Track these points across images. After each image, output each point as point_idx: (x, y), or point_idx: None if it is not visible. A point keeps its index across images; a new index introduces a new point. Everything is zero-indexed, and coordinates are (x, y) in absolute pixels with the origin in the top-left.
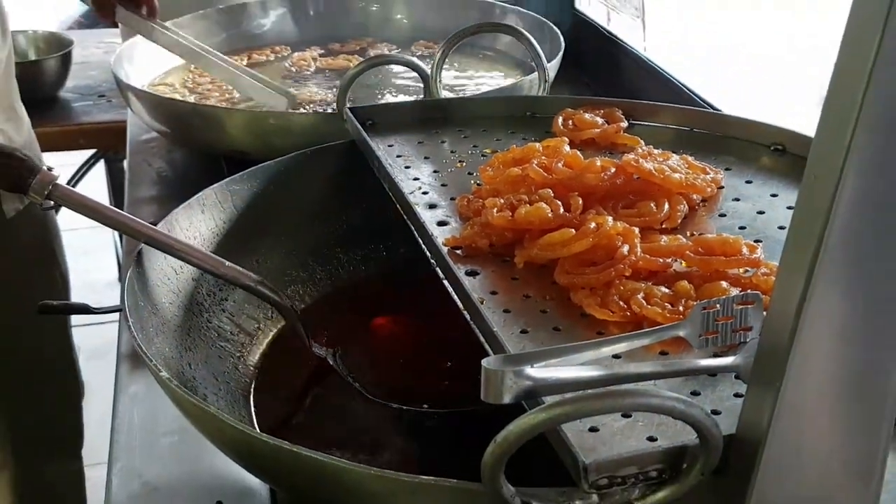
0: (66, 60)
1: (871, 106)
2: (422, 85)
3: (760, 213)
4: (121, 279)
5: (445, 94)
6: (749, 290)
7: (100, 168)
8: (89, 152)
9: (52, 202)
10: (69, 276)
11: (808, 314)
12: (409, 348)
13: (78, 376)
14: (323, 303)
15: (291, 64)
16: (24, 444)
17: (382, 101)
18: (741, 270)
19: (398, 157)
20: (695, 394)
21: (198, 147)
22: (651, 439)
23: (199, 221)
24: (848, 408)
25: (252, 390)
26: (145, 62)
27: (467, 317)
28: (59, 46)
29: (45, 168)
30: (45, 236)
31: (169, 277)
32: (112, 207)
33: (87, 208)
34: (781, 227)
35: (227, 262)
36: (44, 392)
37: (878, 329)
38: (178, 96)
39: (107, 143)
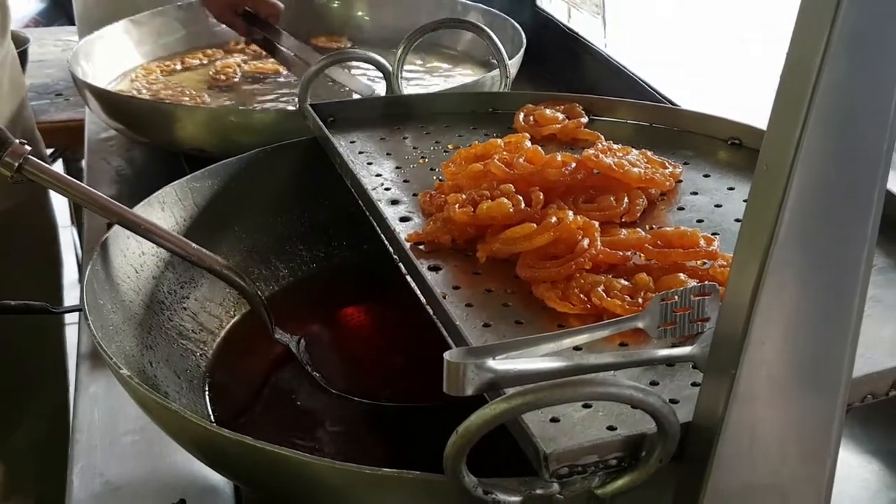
0: (22, 59)
1: (821, 98)
2: (384, 82)
3: (718, 206)
4: (81, 279)
5: (407, 90)
6: (706, 282)
7: (58, 168)
8: (47, 151)
9: (23, 176)
10: (63, 276)
11: (761, 303)
12: (372, 343)
13: (67, 376)
14: (286, 298)
15: (216, 71)
16: (12, 443)
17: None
18: (699, 262)
19: (360, 153)
20: (654, 383)
21: (157, 145)
22: (611, 428)
23: (158, 219)
24: (801, 395)
25: (214, 386)
26: (103, 60)
27: (430, 311)
28: (14, 44)
29: (17, 141)
30: (42, 235)
31: (129, 276)
32: (82, 184)
33: (59, 182)
34: (738, 220)
35: (194, 245)
36: (33, 391)
37: (830, 317)
38: (134, 91)
39: (65, 141)
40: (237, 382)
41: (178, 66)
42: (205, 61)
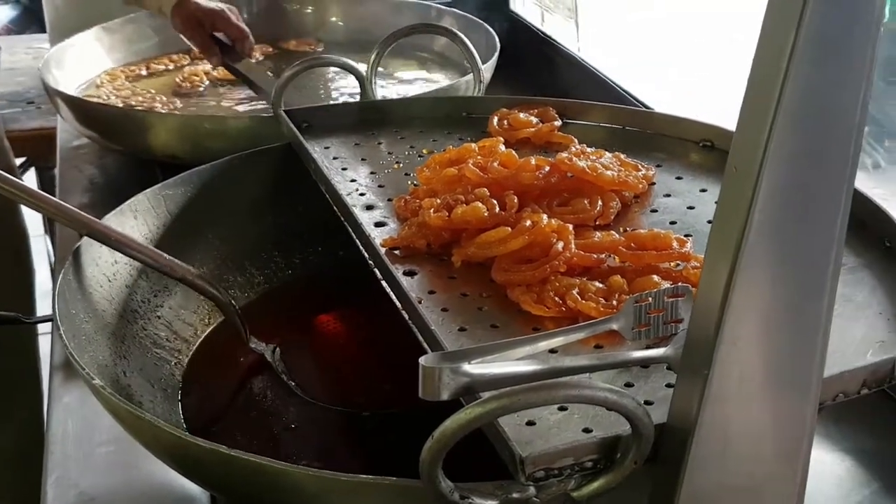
0: None
1: (788, 100)
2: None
3: (690, 208)
4: (54, 288)
5: (382, 95)
6: (680, 283)
7: (31, 177)
8: (19, 160)
9: None
10: (34, 285)
11: (732, 304)
12: (348, 350)
13: (40, 386)
14: (261, 305)
15: (183, 79)
16: None
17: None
18: (672, 264)
19: (335, 158)
20: (628, 385)
21: (130, 152)
22: (586, 431)
23: (131, 228)
24: (774, 394)
25: (188, 396)
26: (74, 67)
27: (406, 316)
28: None
29: None
30: (11, 244)
31: (102, 285)
32: (51, 196)
33: (26, 195)
34: (710, 221)
35: (167, 255)
36: (5, 401)
37: (801, 316)
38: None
39: (37, 150)
40: (212, 391)
41: (144, 72)
42: (170, 67)
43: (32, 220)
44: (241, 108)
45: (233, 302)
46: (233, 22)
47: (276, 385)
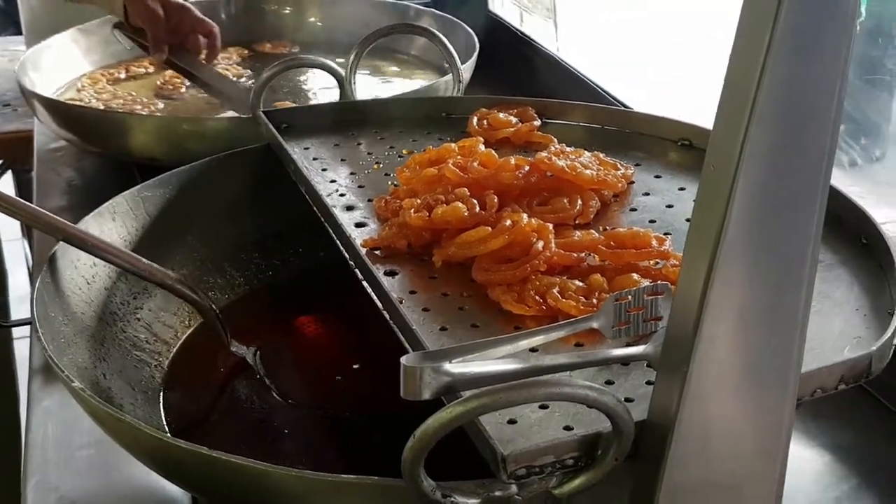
0: None
1: (764, 97)
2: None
3: (669, 206)
4: (32, 292)
5: (361, 96)
6: (659, 282)
7: (7, 180)
8: None
9: None
10: (8, 289)
11: (710, 301)
12: (329, 351)
13: (16, 389)
14: (242, 307)
15: (164, 81)
16: None
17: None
18: (651, 262)
19: (314, 159)
20: (609, 383)
21: (108, 155)
22: (567, 428)
23: (110, 230)
24: (752, 390)
25: (169, 398)
26: (51, 69)
27: (387, 316)
28: None
29: None
30: None
31: (80, 287)
32: (25, 202)
33: (1, 201)
34: (689, 220)
35: (145, 260)
36: None
37: (778, 312)
38: (85, 100)
39: (13, 153)
40: (193, 393)
41: (123, 75)
42: (150, 69)
43: (8, 223)
44: (222, 109)
45: (213, 306)
46: (200, 17)
47: (258, 387)
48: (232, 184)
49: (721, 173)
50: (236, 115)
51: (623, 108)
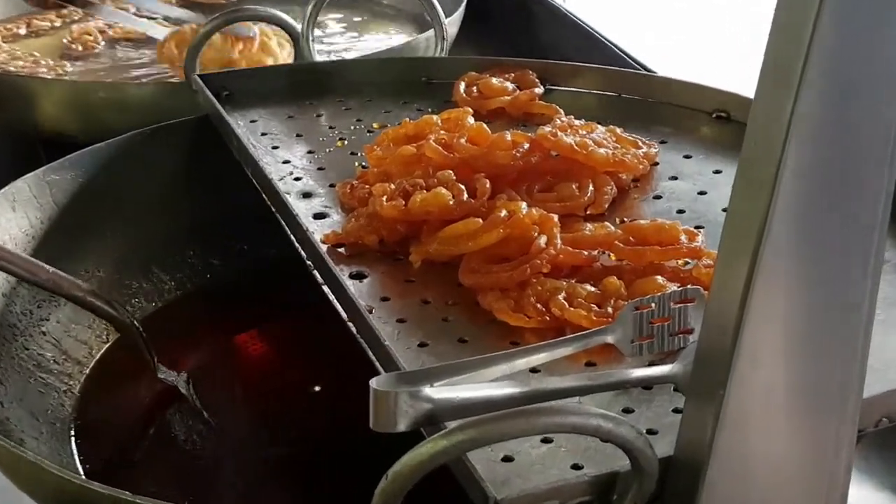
0: None
1: (817, 57)
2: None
3: (702, 193)
4: None
5: (322, 56)
6: (689, 286)
7: None
8: None
9: None
10: None
11: (752, 310)
12: (281, 371)
13: None
14: (173, 319)
15: (71, 40)
16: None
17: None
18: (680, 262)
19: (263, 135)
20: (627, 411)
21: (7, 129)
22: (576, 467)
23: (8, 221)
24: (802, 419)
25: (83, 431)
26: None
27: (353, 329)
28: None
29: None
30: None
31: None
32: None
33: None
34: (726, 210)
35: (50, 268)
36: None
37: (835, 323)
38: None
39: None
40: (112, 426)
41: (23, 31)
42: (57, 23)
43: None
44: (145, 72)
45: (135, 323)
46: None
47: (193, 417)
48: (160, 165)
49: (764, 152)
50: (165, 79)
51: (645, 71)
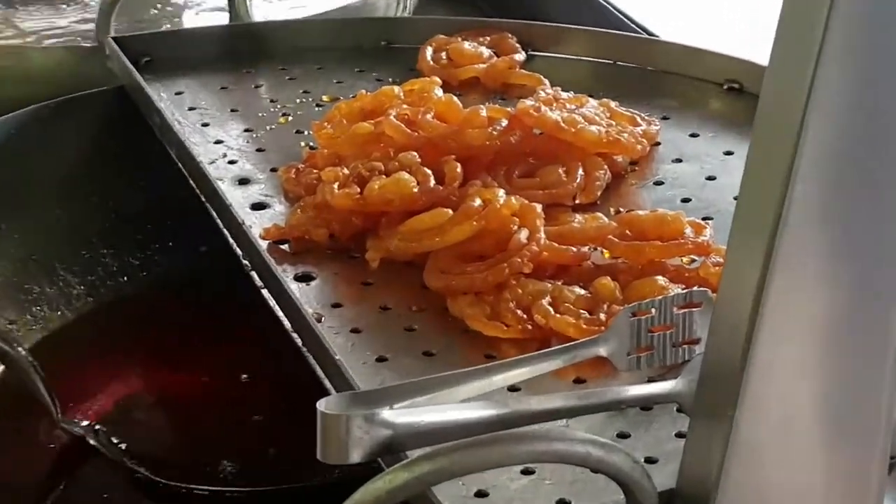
0: None
1: (843, 15)
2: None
3: (711, 178)
4: None
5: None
6: (695, 288)
7: None
8: None
9: None
10: None
11: (766, 316)
12: (216, 399)
13: None
14: (81, 336)
15: None
16: None
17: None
18: (685, 260)
19: (191, 109)
20: (622, 436)
21: None
22: (562, 503)
23: None
24: (825, 444)
25: None
26: None
27: (298, 341)
28: None
29: None
30: None
31: None
32: None
33: None
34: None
35: None
36: None
37: (864, 331)
38: None
39: None
40: (6, 486)
41: None
42: None
43: None
44: (49, 34)
45: (35, 364)
46: None
47: (109, 465)
48: (67, 145)
49: (781, 129)
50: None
51: (645, 35)
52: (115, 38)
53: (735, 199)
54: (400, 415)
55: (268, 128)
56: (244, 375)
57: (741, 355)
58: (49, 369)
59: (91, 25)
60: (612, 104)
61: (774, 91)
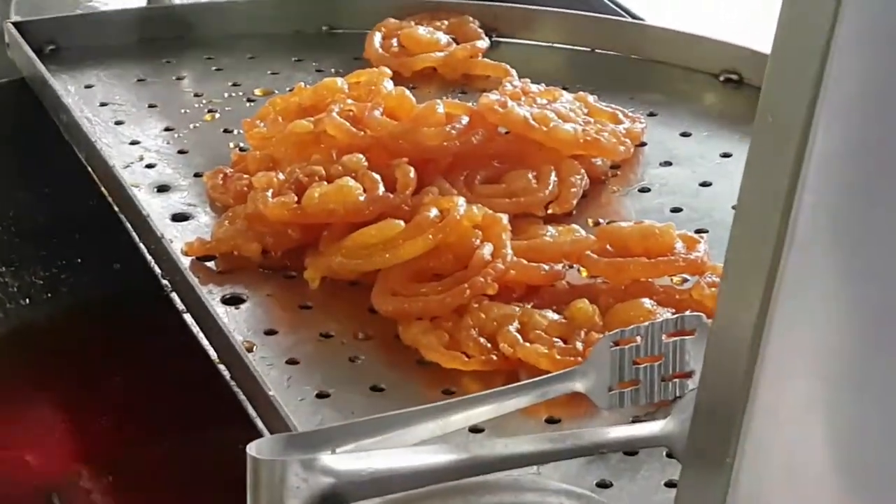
0: None
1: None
2: None
3: (705, 184)
4: None
5: None
6: (688, 312)
7: None
8: None
9: None
10: None
11: (771, 344)
12: (134, 441)
13: None
14: None
15: None
16: None
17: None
18: (675, 280)
19: (103, 105)
20: (603, 485)
21: None
22: None
23: None
24: (842, 495)
25: None
26: None
27: (225, 375)
28: None
29: None
30: None
31: None
32: None
33: None
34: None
35: None
36: None
37: (884, 363)
38: None
39: None
40: None
41: None
42: None
43: None
44: None
45: None
46: None
47: None
48: None
49: (785, 127)
50: None
51: (629, 19)
52: (14, 23)
53: (733, 208)
54: (343, 460)
55: (191, 126)
56: (165, 416)
57: (741, 392)
58: None
59: None
60: (590, 98)
61: (778, 83)
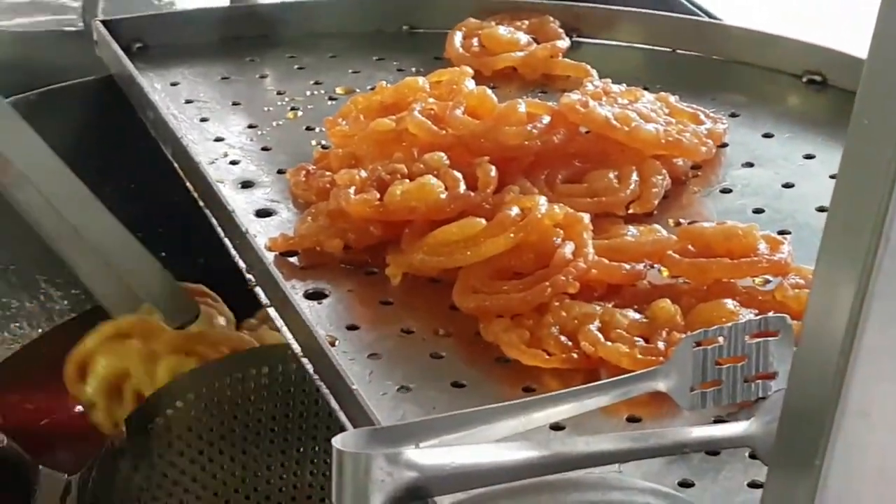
0: None
1: None
2: None
3: (787, 186)
4: None
5: None
6: (771, 313)
7: None
8: None
9: None
10: None
11: (864, 346)
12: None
13: None
14: (64, 347)
15: None
16: None
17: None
18: (758, 281)
19: (188, 102)
20: (685, 485)
21: None
22: None
23: None
24: None
25: None
26: None
27: (309, 368)
28: None
29: None
30: None
31: None
32: None
33: None
34: (822, 209)
35: None
36: None
37: None
38: None
39: None
40: None
41: None
42: None
43: None
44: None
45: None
46: None
47: None
48: (50, 140)
49: (881, 131)
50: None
51: (709, 19)
52: (103, 21)
53: (818, 210)
54: (427, 455)
55: (274, 124)
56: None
57: (832, 394)
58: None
59: (77, 5)
60: (672, 99)
61: (874, 87)
